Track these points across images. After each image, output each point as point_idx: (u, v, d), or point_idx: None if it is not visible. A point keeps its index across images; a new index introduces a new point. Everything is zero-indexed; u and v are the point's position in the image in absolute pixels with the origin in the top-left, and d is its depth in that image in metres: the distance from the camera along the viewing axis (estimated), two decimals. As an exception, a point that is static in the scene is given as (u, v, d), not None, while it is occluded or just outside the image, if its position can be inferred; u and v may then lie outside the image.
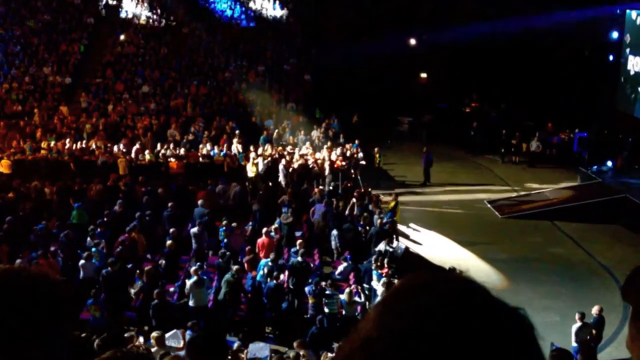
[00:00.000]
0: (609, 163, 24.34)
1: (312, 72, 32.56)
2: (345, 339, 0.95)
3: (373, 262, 15.21)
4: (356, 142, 24.48)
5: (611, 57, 27.75)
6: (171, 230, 15.92)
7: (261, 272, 14.36)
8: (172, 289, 14.16)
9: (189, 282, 13.40)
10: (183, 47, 32.62)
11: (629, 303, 1.41)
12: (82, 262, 14.23)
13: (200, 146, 23.80)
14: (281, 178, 21.46)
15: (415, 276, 0.98)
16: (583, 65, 29.48)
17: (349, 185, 21.27)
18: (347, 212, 18.35)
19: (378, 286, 13.97)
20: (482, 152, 28.75)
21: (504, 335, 0.89)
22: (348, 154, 23.48)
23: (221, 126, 26.69)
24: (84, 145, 23.32)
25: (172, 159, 22.38)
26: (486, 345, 0.87)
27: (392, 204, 19.47)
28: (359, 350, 0.91)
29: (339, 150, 23.65)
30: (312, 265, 15.40)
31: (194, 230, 16.39)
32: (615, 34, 27.13)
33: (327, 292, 13.57)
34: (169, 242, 15.29)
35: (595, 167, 24.10)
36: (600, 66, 28.36)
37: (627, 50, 26.11)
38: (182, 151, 23.05)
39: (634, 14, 25.26)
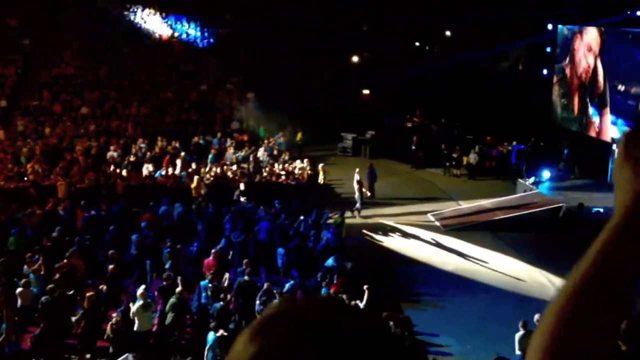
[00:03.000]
0: (546, 174, 25.05)
1: (255, 91, 32.56)
2: None
3: (320, 278, 15.16)
4: (305, 160, 24.80)
5: (545, 71, 28.66)
6: (110, 252, 15.52)
7: (204, 294, 14.17)
8: (114, 315, 13.77)
9: (134, 306, 13.08)
10: (123, 67, 32.16)
11: None
12: (19, 289, 13.72)
13: (144, 167, 23.43)
14: (241, 198, 21.28)
15: (282, 303, 0.97)
16: (519, 79, 30.39)
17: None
18: (293, 229, 18.29)
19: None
20: (425, 166, 29.21)
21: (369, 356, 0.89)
22: (297, 170, 23.78)
23: (164, 147, 26.34)
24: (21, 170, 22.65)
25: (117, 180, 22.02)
26: None
27: (339, 219, 19.53)
28: None
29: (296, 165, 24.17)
30: (258, 284, 15.26)
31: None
32: (548, 49, 28.04)
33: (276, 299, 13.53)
34: (110, 266, 14.90)
35: (533, 178, 24.77)
36: (534, 80, 29.25)
37: (559, 64, 27.00)
38: (124, 172, 22.62)
39: (565, 29, 26.21)
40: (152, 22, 35.25)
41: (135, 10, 35.17)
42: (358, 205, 22.58)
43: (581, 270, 1.00)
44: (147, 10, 35.23)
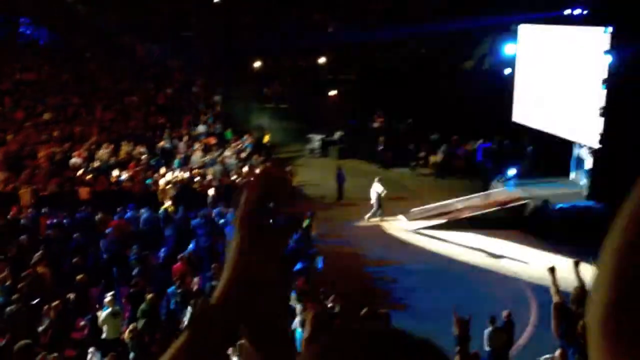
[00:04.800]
0: (511, 171, 25.36)
1: (221, 93, 32.39)
2: None
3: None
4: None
5: (508, 70, 28.97)
6: (74, 260, 15.26)
7: (173, 300, 14.03)
8: (82, 323, 13.57)
9: (103, 314, 12.92)
10: (86, 72, 31.73)
11: None
12: (-18, 301, 13.43)
13: (113, 172, 23.14)
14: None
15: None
16: (483, 78, 30.71)
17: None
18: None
19: (297, 305, 13.90)
20: (393, 166, 29.37)
21: None
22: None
23: (129, 151, 26.00)
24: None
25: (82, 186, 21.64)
26: None
27: (306, 221, 19.49)
28: None
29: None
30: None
31: None
32: (510, 48, 28.29)
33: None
34: (78, 275, 14.64)
35: (499, 175, 25.09)
36: (498, 79, 29.61)
37: (521, 63, 27.30)
38: (88, 178, 22.30)
39: (528, 28, 26.51)
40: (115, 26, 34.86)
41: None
42: (374, 209, 22.57)
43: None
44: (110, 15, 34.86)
